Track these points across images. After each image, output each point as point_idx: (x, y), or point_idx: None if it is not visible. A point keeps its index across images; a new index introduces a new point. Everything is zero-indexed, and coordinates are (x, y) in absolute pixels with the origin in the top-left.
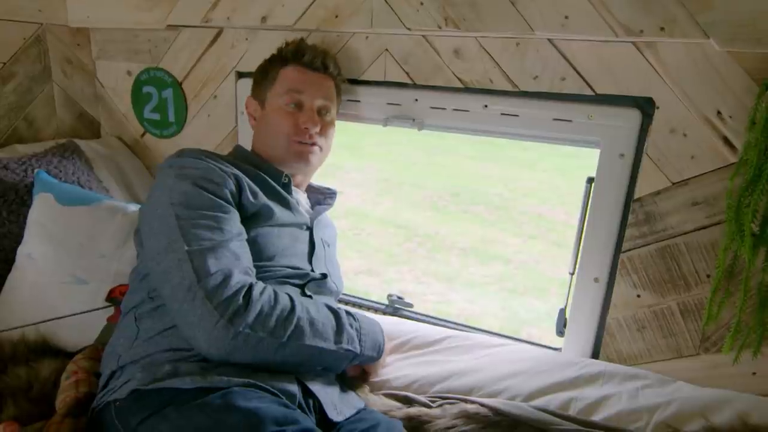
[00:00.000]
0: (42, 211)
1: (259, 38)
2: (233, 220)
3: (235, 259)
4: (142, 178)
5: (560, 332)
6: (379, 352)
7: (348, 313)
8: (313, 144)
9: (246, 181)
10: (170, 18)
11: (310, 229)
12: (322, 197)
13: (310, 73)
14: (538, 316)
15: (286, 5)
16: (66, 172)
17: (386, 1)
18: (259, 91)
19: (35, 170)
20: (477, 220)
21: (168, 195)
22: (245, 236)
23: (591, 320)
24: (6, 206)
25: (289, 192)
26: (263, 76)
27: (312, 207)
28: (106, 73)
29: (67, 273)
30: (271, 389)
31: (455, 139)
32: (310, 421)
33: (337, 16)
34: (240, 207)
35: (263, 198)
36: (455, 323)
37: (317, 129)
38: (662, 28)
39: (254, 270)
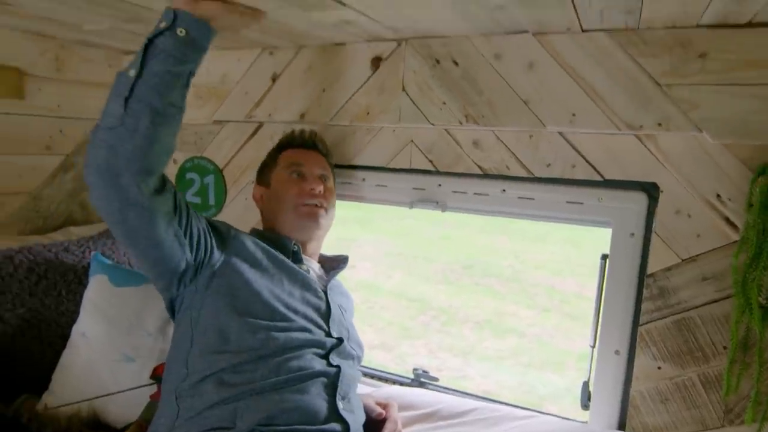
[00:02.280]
0: (97, 291)
1: None
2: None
3: None
4: None
5: (585, 405)
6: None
7: None
8: (320, 205)
9: (253, 246)
10: (217, 114)
11: (325, 293)
12: (335, 264)
13: (305, 151)
14: (556, 390)
15: (323, 105)
16: (118, 253)
17: (413, 101)
18: (262, 178)
19: (92, 252)
20: (490, 293)
21: None
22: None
23: (615, 393)
24: (65, 286)
25: (299, 260)
26: (265, 165)
27: (327, 273)
28: None
29: (117, 351)
30: None
31: None
32: None
33: (368, 113)
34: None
35: (276, 262)
36: (481, 396)
37: (321, 189)
38: (660, 124)
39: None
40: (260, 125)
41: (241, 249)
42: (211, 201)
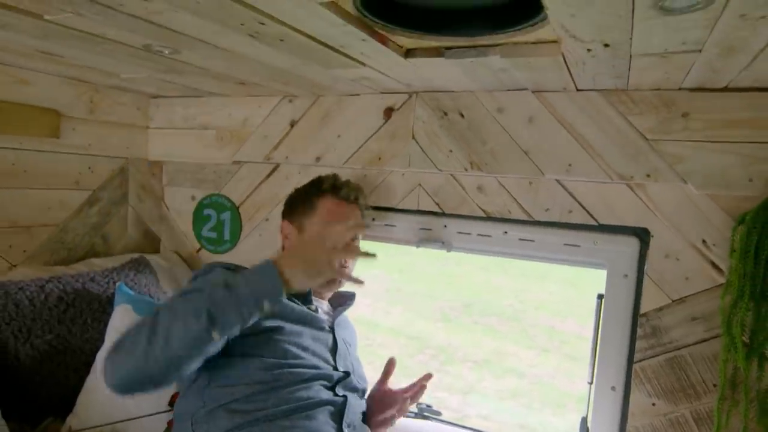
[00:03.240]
0: (122, 320)
1: (310, 172)
2: None
3: None
4: None
5: None
6: (272, 275)
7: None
8: (344, 275)
9: None
10: (237, 155)
11: (332, 329)
12: (342, 300)
13: (344, 205)
14: None
15: (338, 149)
16: (140, 284)
17: (422, 149)
18: (296, 217)
19: (116, 283)
20: (489, 332)
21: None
22: None
23: (612, 429)
24: (91, 314)
25: (309, 301)
26: (301, 203)
27: (334, 309)
28: (173, 198)
29: None
30: None
31: None
32: None
33: (380, 159)
34: None
35: (278, 309)
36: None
37: (346, 265)
38: (648, 175)
39: None
40: (276, 166)
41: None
42: (227, 236)
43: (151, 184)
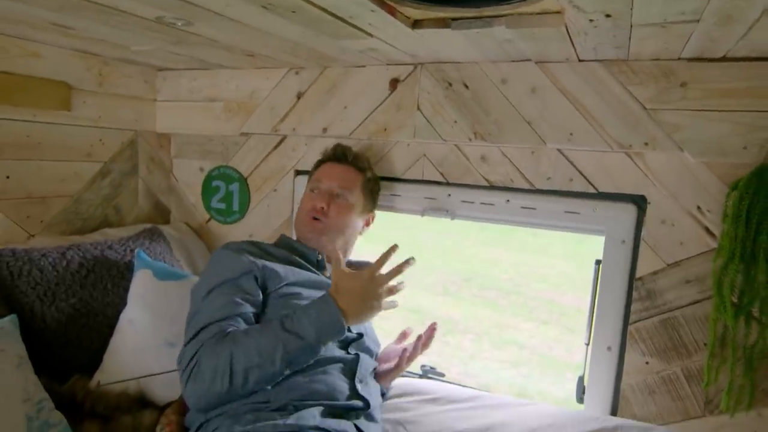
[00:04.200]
0: (142, 284)
1: (316, 143)
2: (242, 307)
3: (209, 336)
4: (205, 258)
5: (580, 399)
6: (332, 322)
7: (286, 319)
8: (318, 219)
9: (273, 269)
10: (244, 127)
11: None
12: (354, 269)
13: (336, 166)
14: (555, 401)
15: (344, 120)
16: (155, 252)
17: (427, 120)
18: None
19: (132, 250)
20: (490, 305)
21: (203, 282)
22: (251, 306)
23: (607, 386)
24: (110, 279)
25: (323, 267)
26: (308, 177)
27: None
28: (181, 169)
29: (161, 337)
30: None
31: (466, 224)
32: None
33: (385, 129)
34: (266, 286)
35: (293, 279)
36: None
37: (323, 206)
38: (646, 143)
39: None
40: (283, 138)
41: (275, 278)
42: (235, 207)
43: (160, 157)
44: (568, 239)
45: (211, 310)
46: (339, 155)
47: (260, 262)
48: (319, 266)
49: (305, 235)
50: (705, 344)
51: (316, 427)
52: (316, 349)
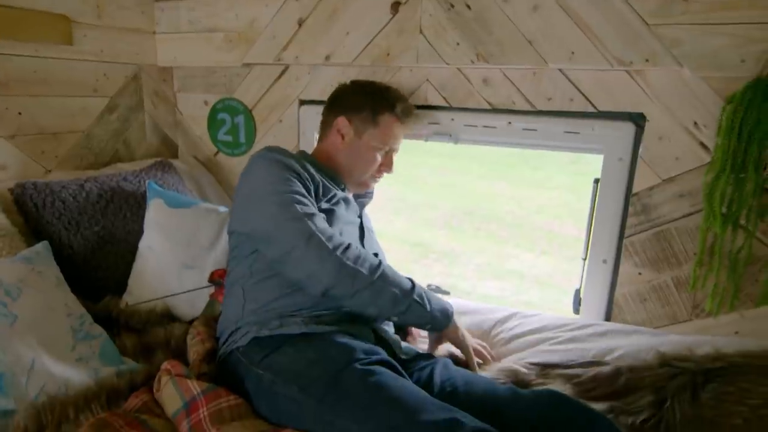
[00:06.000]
0: (157, 212)
1: (320, 72)
2: (314, 202)
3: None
4: (215, 189)
5: (576, 310)
6: (448, 316)
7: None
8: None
9: (321, 181)
10: (246, 58)
11: (360, 217)
12: (362, 193)
13: (402, 128)
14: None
15: (347, 46)
16: (167, 184)
17: (430, 43)
18: (356, 120)
19: (146, 181)
20: (491, 238)
21: (273, 177)
22: None
23: (602, 296)
24: (128, 209)
25: (344, 190)
26: (365, 110)
27: (356, 200)
28: (186, 103)
29: (179, 261)
30: (357, 334)
31: (466, 159)
32: (386, 355)
33: (388, 54)
34: (315, 198)
35: (330, 195)
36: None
37: (390, 172)
38: (647, 60)
39: None
40: (287, 67)
41: (319, 192)
42: (242, 139)
43: (163, 91)
44: (567, 172)
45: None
46: (409, 120)
47: (310, 173)
48: (342, 189)
49: (353, 184)
50: (695, 254)
51: (339, 330)
52: (425, 319)
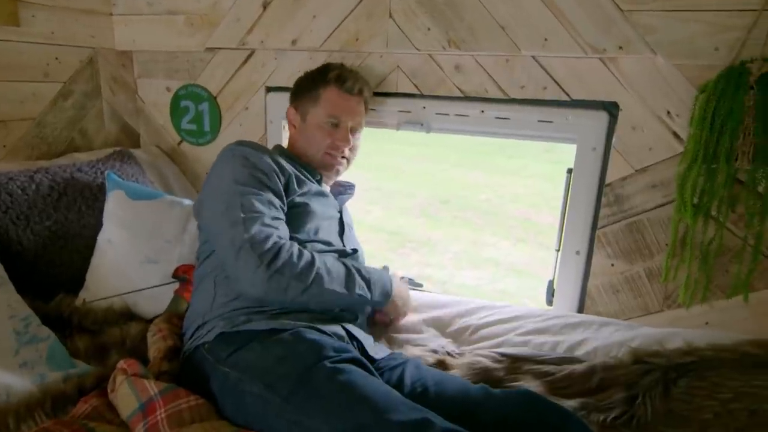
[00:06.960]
0: (117, 204)
1: (287, 57)
2: (275, 202)
3: (274, 228)
4: (179, 180)
5: (549, 302)
6: (387, 296)
7: (356, 268)
8: (342, 157)
9: (292, 174)
10: (209, 42)
11: (340, 213)
12: (343, 189)
13: (348, 98)
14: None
15: (314, 30)
16: (126, 174)
17: (400, 28)
18: (300, 105)
19: (103, 173)
20: (468, 226)
21: (231, 174)
22: (283, 214)
23: (575, 288)
24: (84, 202)
25: (321, 184)
26: (306, 92)
27: (336, 197)
28: (147, 90)
29: (141, 254)
30: (326, 331)
31: (442, 147)
32: (357, 353)
33: (357, 39)
34: (286, 192)
35: (304, 188)
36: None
37: (348, 146)
38: (621, 47)
39: (288, 238)
40: (252, 52)
41: (291, 186)
42: (207, 128)
43: (123, 76)
44: (543, 160)
45: (263, 208)
46: (354, 89)
47: (281, 166)
48: (319, 182)
49: (319, 167)
50: (666, 245)
51: (309, 326)
52: (365, 301)
